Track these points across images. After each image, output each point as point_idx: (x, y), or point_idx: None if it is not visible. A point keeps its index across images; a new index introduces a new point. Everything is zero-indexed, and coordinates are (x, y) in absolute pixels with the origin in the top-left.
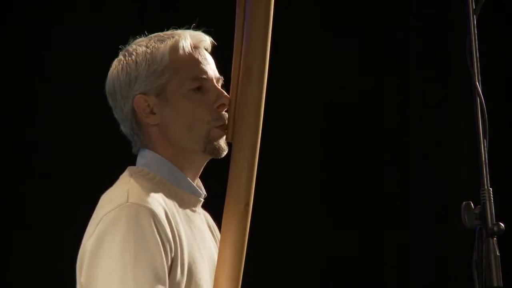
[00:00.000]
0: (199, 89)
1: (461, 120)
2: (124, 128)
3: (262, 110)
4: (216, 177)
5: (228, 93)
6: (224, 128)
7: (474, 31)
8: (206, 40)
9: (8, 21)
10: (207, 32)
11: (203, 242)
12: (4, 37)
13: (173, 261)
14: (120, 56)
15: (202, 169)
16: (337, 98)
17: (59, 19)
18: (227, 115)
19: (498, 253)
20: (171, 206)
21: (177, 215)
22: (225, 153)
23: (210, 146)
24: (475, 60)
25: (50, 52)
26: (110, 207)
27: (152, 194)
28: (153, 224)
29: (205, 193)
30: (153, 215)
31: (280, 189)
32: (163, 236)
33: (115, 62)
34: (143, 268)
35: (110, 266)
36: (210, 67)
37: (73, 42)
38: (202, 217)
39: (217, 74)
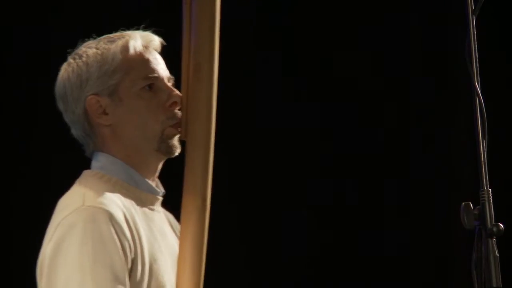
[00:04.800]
0: (150, 87)
1: (461, 120)
2: (76, 131)
3: (214, 105)
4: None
5: (180, 92)
6: (177, 127)
7: (473, 31)
8: (156, 41)
9: None
10: (156, 33)
11: (164, 240)
12: None
13: (134, 260)
14: (70, 59)
15: (158, 169)
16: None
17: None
18: (180, 114)
19: (497, 254)
20: (129, 206)
21: (135, 215)
22: (178, 151)
23: (163, 145)
24: (474, 60)
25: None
26: (67, 211)
27: (109, 196)
28: (110, 226)
29: (164, 191)
30: (110, 217)
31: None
32: (121, 237)
33: (64, 66)
34: (102, 269)
35: (69, 271)
36: (161, 66)
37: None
38: (162, 216)
39: (168, 74)
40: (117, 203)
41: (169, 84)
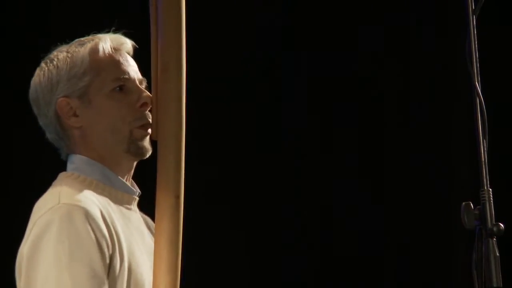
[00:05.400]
0: (121, 89)
1: (461, 120)
2: (49, 135)
3: (183, 103)
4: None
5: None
6: (146, 128)
7: (473, 31)
8: (127, 43)
9: None
10: (127, 35)
11: (142, 238)
12: None
13: (111, 257)
14: (42, 64)
15: (132, 170)
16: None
17: None
18: (150, 115)
19: (497, 254)
20: (105, 204)
21: (112, 213)
22: (149, 153)
23: (133, 146)
24: (474, 60)
25: None
26: (43, 210)
27: (85, 194)
28: (86, 222)
29: (139, 191)
30: (86, 213)
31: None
32: (97, 234)
33: (37, 70)
34: (79, 265)
35: (46, 269)
36: (132, 68)
37: None
38: (139, 216)
39: (140, 76)
40: (93, 200)
41: (141, 86)
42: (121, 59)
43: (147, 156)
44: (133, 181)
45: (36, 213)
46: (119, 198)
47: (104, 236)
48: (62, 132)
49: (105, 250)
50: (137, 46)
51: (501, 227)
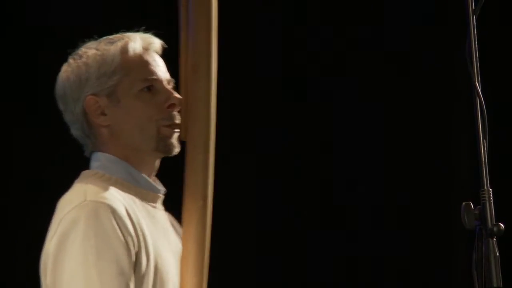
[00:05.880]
0: (149, 89)
1: (461, 120)
2: (75, 131)
3: (212, 105)
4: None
5: (180, 93)
6: (173, 127)
7: (474, 31)
8: (156, 43)
9: None
10: (156, 35)
11: (167, 237)
12: None
13: (137, 254)
14: (70, 60)
15: (157, 167)
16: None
17: None
18: (179, 116)
19: (498, 254)
20: (131, 202)
21: (137, 211)
22: (177, 150)
23: (161, 144)
24: (475, 60)
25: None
26: (69, 207)
27: (110, 192)
28: (113, 220)
29: (164, 189)
30: (113, 211)
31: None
32: (124, 231)
33: (64, 66)
34: (107, 263)
35: (73, 266)
36: (160, 68)
37: None
38: (163, 214)
39: (168, 76)
40: (118, 198)
41: (169, 87)
42: (149, 60)
43: (175, 153)
44: (156, 178)
45: (61, 211)
46: (144, 196)
47: (130, 233)
48: (89, 130)
49: (131, 247)
50: (166, 46)
51: (501, 227)
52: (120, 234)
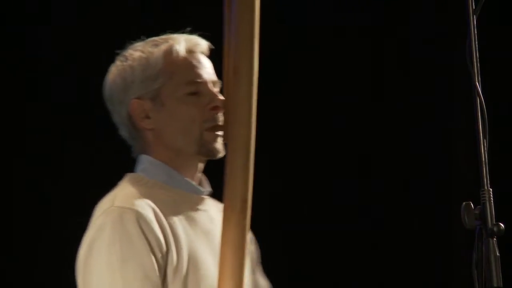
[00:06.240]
0: (194, 94)
1: (461, 120)
2: (123, 133)
3: (253, 107)
4: (217, 177)
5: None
6: (217, 130)
7: (474, 31)
8: (202, 44)
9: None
10: (203, 36)
11: (208, 240)
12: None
13: (166, 259)
14: (117, 61)
15: (202, 168)
16: (336, 98)
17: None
18: (221, 118)
19: (498, 254)
20: (167, 206)
21: (174, 215)
22: (221, 154)
23: (204, 148)
24: (475, 60)
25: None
26: (98, 213)
27: (140, 196)
28: (137, 225)
29: (210, 189)
30: (138, 216)
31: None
32: (149, 236)
33: (112, 67)
34: (132, 268)
35: (99, 272)
36: (206, 70)
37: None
38: (210, 215)
39: (214, 78)
40: (148, 203)
41: (215, 89)
42: (194, 62)
43: (219, 157)
44: (203, 179)
45: (94, 215)
46: (185, 198)
47: (157, 238)
48: (135, 133)
49: (157, 251)
50: (212, 46)
51: (501, 227)
52: (145, 239)
